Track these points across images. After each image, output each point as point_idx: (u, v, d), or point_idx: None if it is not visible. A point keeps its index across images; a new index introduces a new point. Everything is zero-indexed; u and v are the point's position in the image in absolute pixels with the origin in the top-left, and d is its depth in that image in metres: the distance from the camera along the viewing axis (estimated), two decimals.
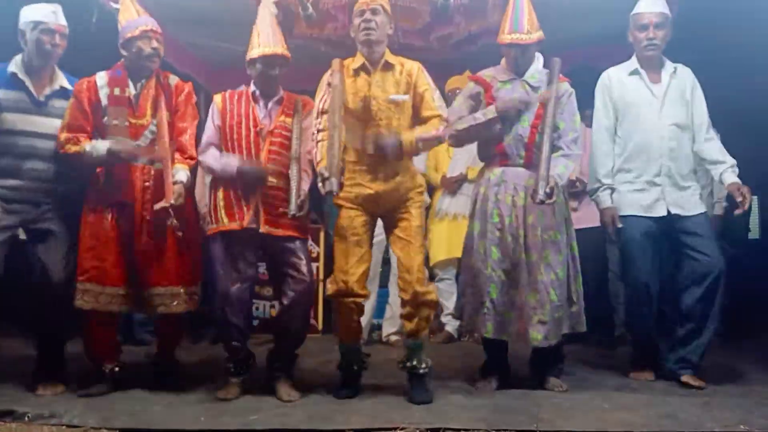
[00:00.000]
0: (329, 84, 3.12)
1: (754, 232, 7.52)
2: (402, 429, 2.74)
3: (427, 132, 3.03)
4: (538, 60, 3.32)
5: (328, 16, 4.31)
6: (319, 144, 3.06)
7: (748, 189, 3.38)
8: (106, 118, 3.16)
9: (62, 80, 3.29)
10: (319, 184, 2.93)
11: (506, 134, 3.21)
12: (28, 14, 3.21)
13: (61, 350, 3.36)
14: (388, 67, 3.13)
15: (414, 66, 3.16)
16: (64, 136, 3.17)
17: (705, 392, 3.36)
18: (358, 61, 3.13)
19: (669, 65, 3.57)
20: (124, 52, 3.23)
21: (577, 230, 3.48)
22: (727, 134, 4.98)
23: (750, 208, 4.77)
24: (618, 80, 3.56)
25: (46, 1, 3.24)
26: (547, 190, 2.99)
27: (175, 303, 3.18)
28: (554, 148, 3.15)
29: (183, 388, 3.27)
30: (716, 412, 3.00)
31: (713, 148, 3.50)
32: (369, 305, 4.52)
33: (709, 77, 4.89)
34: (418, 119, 3.14)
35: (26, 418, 2.87)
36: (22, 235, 3.24)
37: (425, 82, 3.14)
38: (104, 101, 3.18)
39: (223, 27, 4.62)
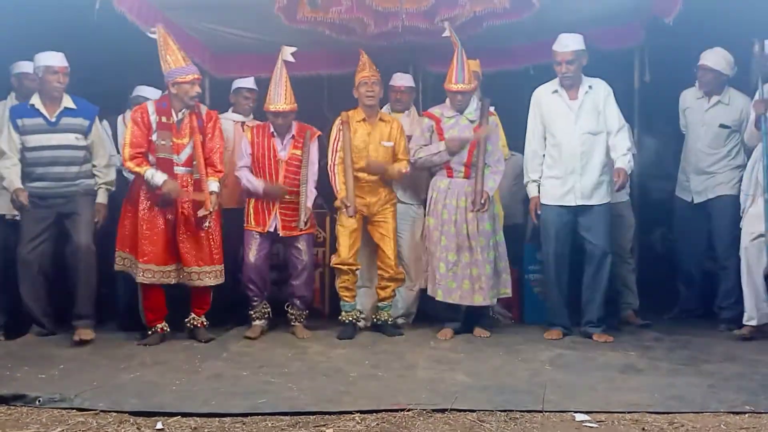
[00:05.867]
0: (340, 130, 4.41)
1: None
2: (408, 410, 2.76)
3: (402, 167, 4.43)
4: (474, 99, 4.39)
5: (332, 1, 4.29)
6: (337, 177, 4.38)
7: (624, 173, 4.14)
8: (155, 138, 4.11)
9: (68, 101, 4.24)
10: (343, 209, 4.36)
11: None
12: (40, 60, 4.16)
13: (94, 296, 4.22)
14: (381, 120, 4.48)
15: (397, 123, 4.53)
16: (128, 151, 4.10)
17: (710, 373, 3.38)
18: (361, 115, 4.46)
19: (585, 83, 4.32)
20: (173, 90, 4.12)
21: None
22: None
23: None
24: (545, 97, 4.38)
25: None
26: (482, 201, 4.21)
27: (208, 278, 4.20)
28: (484, 165, 4.29)
29: (210, 341, 4.17)
30: (722, 393, 3.02)
31: (617, 144, 4.24)
32: (372, 298, 4.58)
33: None
34: (395, 158, 4.51)
35: (37, 402, 2.91)
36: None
37: (402, 137, 4.50)
38: (154, 125, 4.12)
39: (225, 12, 4.60)
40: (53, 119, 4.17)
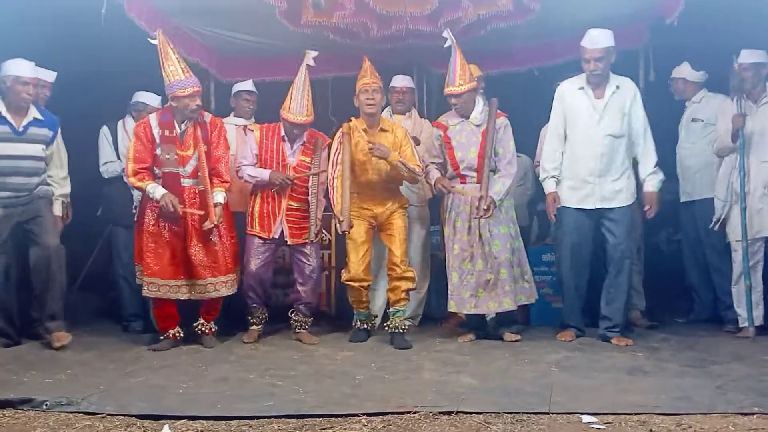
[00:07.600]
0: (341, 142, 4.24)
1: None
2: (414, 413, 2.75)
3: (407, 162, 4.17)
4: (479, 103, 4.25)
5: (335, 5, 4.30)
6: (335, 189, 4.20)
7: (656, 198, 4.16)
8: (159, 152, 4.07)
9: (35, 113, 4.12)
10: (336, 224, 4.22)
11: (461, 162, 4.22)
12: (9, 69, 4.00)
13: (64, 296, 4.15)
14: (383, 130, 4.31)
15: (400, 130, 4.33)
16: (131, 167, 4.07)
17: (718, 374, 3.36)
18: (362, 125, 4.29)
19: (613, 82, 4.15)
20: (173, 103, 4.06)
21: None
22: None
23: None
24: (569, 92, 4.22)
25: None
26: (485, 207, 4.05)
27: (224, 288, 4.17)
28: (495, 170, 4.18)
29: (217, 343, 4.20)
30: (730, 394, 3.00)
31: (646, 155, 4.17)
32: (382, 297, 4.57)
33: (722, 63, 4.83)
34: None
35: (44, 406, 2.91)
36: None
37: (408, 143, 4.30)
38: (157, 139, 4.09)
39: (230, 16, 4.62)
40: (20, 129, 4.04)
